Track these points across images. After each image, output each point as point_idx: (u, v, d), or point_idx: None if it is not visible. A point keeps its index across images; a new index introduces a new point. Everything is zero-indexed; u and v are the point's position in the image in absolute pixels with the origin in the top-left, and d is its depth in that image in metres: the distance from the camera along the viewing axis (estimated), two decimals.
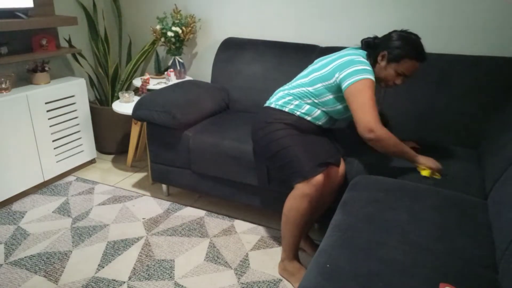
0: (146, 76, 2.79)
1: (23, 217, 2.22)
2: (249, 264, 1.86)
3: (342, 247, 1.23)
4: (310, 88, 1.73)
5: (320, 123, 1.79)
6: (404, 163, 1.78)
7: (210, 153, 2.09)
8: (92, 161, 2.90)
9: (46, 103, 2.42)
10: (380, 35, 1.75)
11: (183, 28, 2.73)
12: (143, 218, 2.22)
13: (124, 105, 2.63)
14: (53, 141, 2.52)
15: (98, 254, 1.92)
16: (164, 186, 2.48)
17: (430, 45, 2.27)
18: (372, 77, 1.60)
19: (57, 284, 1.73)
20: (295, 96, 1.76)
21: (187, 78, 2.91)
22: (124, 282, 1.74)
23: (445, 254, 1.20)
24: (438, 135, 2.06)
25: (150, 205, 2.35)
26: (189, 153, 2.17)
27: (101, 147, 3.01)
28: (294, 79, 1.84)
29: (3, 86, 2.27)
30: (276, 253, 1.93)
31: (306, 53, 2.42)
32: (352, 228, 1.33)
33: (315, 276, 1.12)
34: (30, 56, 2.44)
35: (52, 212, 2.27)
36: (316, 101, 1.73)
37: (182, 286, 1.72)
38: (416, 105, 2.11)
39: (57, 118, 2.52)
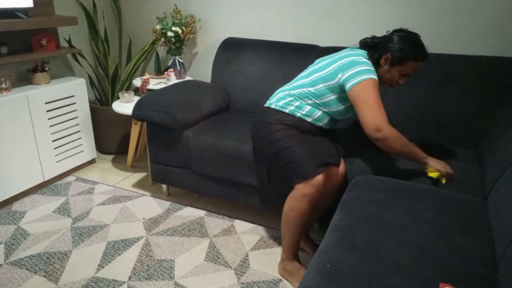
0: (146, 76, 2.79)
1: (23, 217, 2.22)
2: (249, 264, 1.86)
3: (342, 247, 1.23)
4: (311, 89, 1.72)
5: (321, 124, 1.78)
6: (404, 163, 1.78)
7: (210, 153, 2.09)
8: (92, 161, 2.90)
9: (46, 103, 2.42)
10: (380, 35, 1.75)
11: (183, 28, 2.73)
12: (143, 218, 2.22)
13: (124, 105, 2.63)
14: (53, 141, 2.52)
15: (98, 254, 1.92)
16: (164, 186, 2.48)
17: (430, 45, 2.25)
18: (375, 76, 1.60)
19: (57, 284, 1.73)
20: (296, 97, 1.75)
21: (187, 78, 2.91)
22: (124, 282, 1.74)
23: (445, 254, 1.20)
24: (438, 135, 2.06)
25: (150, 205, 2.35)
26: (189, 153, 2.17)
27: (101, 147, 3.01)
28: (295, 79, 1.83)
29: (3, 86, 2.27)
30: (276, 253, 1.93)
31: (306, 53, 2.42)
32: (352, 228, 1.33)
33: (315, 276, 1.12)
34: (30, 56, 2.44)
35: (52, 212, 2.27)
36: (317, 101, 1.73)
37: (182, 286, 1.72)
38: (416, 105, 2.11)
39: (57, 118, 2.52)
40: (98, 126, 2.90)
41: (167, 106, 2.15)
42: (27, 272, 1.80)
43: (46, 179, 2.51)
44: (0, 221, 2.18)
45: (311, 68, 1.80)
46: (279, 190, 1.97)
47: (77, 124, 2.67)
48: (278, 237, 2.06)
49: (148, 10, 3.06)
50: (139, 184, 2.62)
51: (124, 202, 2.38)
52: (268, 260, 1.89)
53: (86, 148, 2.77)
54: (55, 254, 1.92)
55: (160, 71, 3.00)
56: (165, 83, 2.78)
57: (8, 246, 1.97)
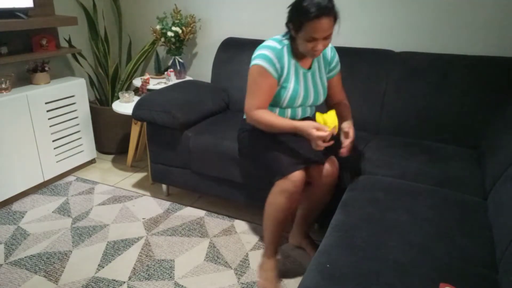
0: (146, 76, 2.79)
1: (23, 217, 2.22)
2: (249, 264, 1.86)
3: (342, 247, 1.23)
4: None
5: (290, 118, 1.77)
6: (404, 163, 1.78)
7: (210, 153, 2.09)
8: (92, 161, 2.90)
9: (46, 103, 2.42)
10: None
11: (183, 28, 2.73)
12: (143, 218, 2.22)
13: (124, 105, 2.63)
14: (53, 141, 2.52)
15: (98, 254, 1.92)
16: (164, 186, 2.48)
17: (430, 45, 2.27)
18: (262, 62, 1.63)
19: (57, 284, 1.73)
20: None
21: (187, 78, 2.91)
22: (124, 282, 1.74)
23: (445, 254, 1.20)
24: (438, 135, 2.06)
25: (150, 205, 2.35)
26: (189, 153, 2.17)
27: (101, 147, 3.01)
28: None
29: (3, 86, 2.27)
30: None
31: None
32: (352, 228, 1.33)
33: (315, 276, 1.12)
34: (30, 56, 2.44)
35: (52, 212, 2.27)
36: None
37: (182, 286, 1.72)
38: (416, 105, 2.11)
39: (57, 118, 2.52)
40: (98, 126, 2.90)
41: (167, 106, 2.15)
42: (27, 272, 1.80)
43: (46, 179, 2.51)
44: (0, 221, 2.18)
45: None
46: None
47: (77, 124, 2.67)
48: None
49: (148, 10, 3.06)
50: (139, 184, 2.62)
51: (124, 202, 2.38)
52: None
53: (86, 148, 2.77)
54: (55, 254, 1.92)
55: (160, 71, 3.00)
56: (165, 83, 2.78)
57: (8, 246, 1.97)
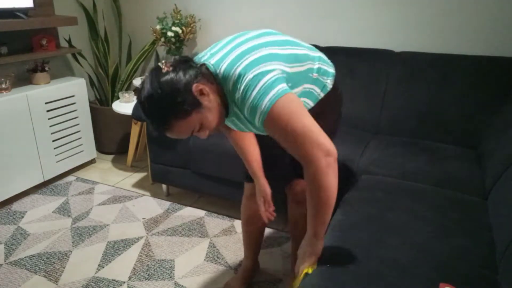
0: None
1: (23, 217, 2.22)
2: None
3: (342, 247, 1.23)
4: None
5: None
6: (404, 164, 1.78)
7: (210, 153, 2.09)
8: (92, 161, 2.90)
9: (46, 103, 2.42)
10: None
11: (183, 28, 2.73)
12: (143, 218, 2.22)
13: (124, 105, 2.63)
14: (53, 141, 2.52)
15: (98, 254, 1.92)
16: (164, 186, 2.48)
17: (430, 45, 2.27)
18: (284, 87, 1.12)
19: (57, 284, 1.73)
20: None
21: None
22: (124, 282, 1.74)
23: (445, 254, 1.20)
24: (438, 135, 2.06)
25: (150, 205, 2.35)
26: (189, 153, 2.17)
27: (101, 147, 3.01)
28: None
29: (3, 86, 2.27)
30: (275, 253, 1.93)
31: None
32: (352, 228, 1.33)
33: (315, 276, 1.12)
34: (30, 56, 2.44)
35: (52, 212, 2.27)
36: None
37: (182, 286, 1.72)
38: (416, 105, 2.11)
39: (57, 118, 2.52)
40: (98, 126, 2.90)
41: None
42: (27, 272, 1.80)
43: (46, 179, 2.51)
44: (0, 221, 2.18)
45: None
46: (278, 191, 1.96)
47: (77, 124, 2.67)
48: (277, 237, 2.05)
49: (148, 10, 3.06)
50: (139, 184, 2.62)
51: (124, 202, 2.38)
52: (268, 260, 1.88)
53: (86, 148, 2.77)
54: (55, 254, 1.92)
55: None
56: None
57: (8, 246, 1.97)
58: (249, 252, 1.73)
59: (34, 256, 1.90)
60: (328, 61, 1.32)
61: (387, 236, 1.27)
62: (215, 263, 1.87)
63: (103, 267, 1.83)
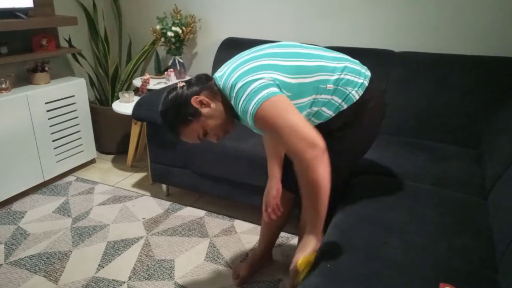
0: (146, 76, 2.79)
1: (23, 217, 2.22)
2: None
3: (342, 247, 1.23)
4: None
5: None
6: (404, 164, 1.78)
7: (210, 153, 2.09)
8: (92, 161, 2.90)
9: (46, 103, 2.42)
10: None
11: (183, 28, 2.73)
12: (143, 218, 2.22)
13: (124, 105, 2.63)
14: (53, 141, 2.52)
15: (98, 254, 1.92)
16: (164, 186, 2.48)
17: (430, 45, 2.27)
18: (268, 91, 1.19)
19: (57, 284, 1.73)
20: None
21: (187, 78, 2.90)
22: (124, 282, 1.74)
23: (445, 254, 1.20)
24: (438, 135, 2.06)
25: (150, 205, 2.35)
26: (189, 153, 2.17)
27: (101, 147, 3.01)
28: None
29: (3, 86, 2.27)
30: (276, 253, 1.93)
31: None
32: (352, 228, 1.33)
33: (315, 276, 1.12)
34: (30, 56, 2.44)
35: (52, 212, 2.27)
36: None
37: (182, 286, 1.72)
38: (416, 105, 2.11)
39: (57, 118, 2.52)
40: (98, 126, 2.90)
41: None
42: (27, 272, 1.80)
43: (46, 179, 2.51)
44: (0, 221, 2.18)
45: None
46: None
47: (77, 124, 2.67)
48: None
49: (148, 10, 3.06)
50: (139, 184, 2.62)
51: (124, 202, 2.38)
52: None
53: (86, 148, 2.77)
54: (55, 254, 1.92)
55: (160, 71, 3.00)
56: (165, 83, 2.78)
57: (8, 246, 1.97)
58: (261, 240, 1.76)
59: (34, 256, 1.90)
60: (362, 71, 1.31)
61: (387, 236, 1.27)
62: (215, 263, 1.87)
63: (103, 267, 1.83)
